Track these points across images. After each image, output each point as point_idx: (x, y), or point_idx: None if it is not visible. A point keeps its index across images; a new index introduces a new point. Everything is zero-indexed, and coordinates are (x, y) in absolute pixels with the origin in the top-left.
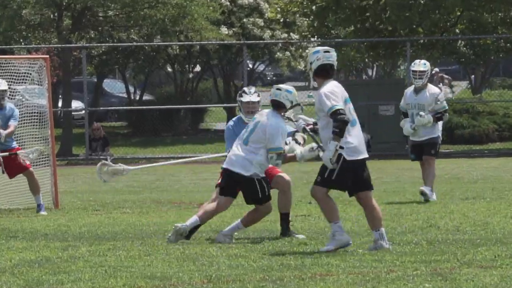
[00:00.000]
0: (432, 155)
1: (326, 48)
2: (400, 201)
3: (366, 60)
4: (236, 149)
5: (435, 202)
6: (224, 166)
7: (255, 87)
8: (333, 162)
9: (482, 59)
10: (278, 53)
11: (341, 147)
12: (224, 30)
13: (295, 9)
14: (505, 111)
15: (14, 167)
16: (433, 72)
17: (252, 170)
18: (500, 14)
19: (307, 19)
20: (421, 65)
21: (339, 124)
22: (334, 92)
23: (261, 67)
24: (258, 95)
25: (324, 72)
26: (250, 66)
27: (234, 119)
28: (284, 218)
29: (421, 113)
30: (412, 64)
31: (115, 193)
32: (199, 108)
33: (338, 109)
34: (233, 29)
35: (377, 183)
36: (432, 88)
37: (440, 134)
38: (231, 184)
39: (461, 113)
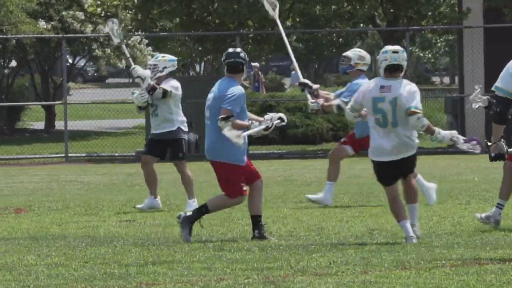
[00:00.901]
0: (181, 158)
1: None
2: None
3: (194, 55)
4: (387, 137)
5: (268, 206)
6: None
7: (76, 84)
8: None
9: (314, 54)
10: (97, 51)
11: None
12: (42, 24)
13: (116, 2)
14: None
15: None
16: (253, 65)
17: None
18: (333, 7)
19: (130, 12)
20: None
21: None
22: None
23: (81, 63)
24: None
25: None
26: (70, 61)
27: (239, 86)
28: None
29: None
30: None
31: None
32: (15, 106)
33: None
34: (52, 23)
35: (207, 186)
36: None
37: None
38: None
39: (294, 111)
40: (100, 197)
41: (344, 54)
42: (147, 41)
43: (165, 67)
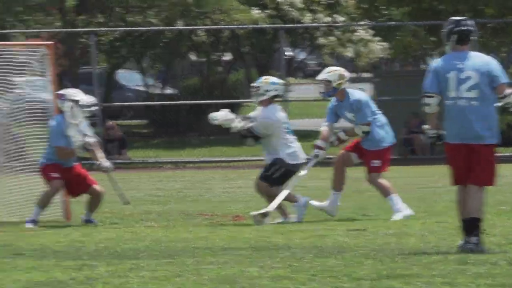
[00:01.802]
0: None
1: None
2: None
3: (424, 46)
4: None
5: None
6: None
7: (295, 79)
8: None
9: None
10: (320, 39)
11: None
12: (256, 12)
13: None
14: None
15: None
16: None
17: None
18: None
19: None
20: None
21: None
22: None
23: (301, 56)
24: None
25: None
26: (290, 54)
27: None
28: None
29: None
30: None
31: (136, 203)
32: (231, 104)
33: None
34: (266, 11)
35: (445, 192)
36: None
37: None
38: None
39: None
40: None
41: (321, 78)
42: (373, 31)
43: (267, 90)
